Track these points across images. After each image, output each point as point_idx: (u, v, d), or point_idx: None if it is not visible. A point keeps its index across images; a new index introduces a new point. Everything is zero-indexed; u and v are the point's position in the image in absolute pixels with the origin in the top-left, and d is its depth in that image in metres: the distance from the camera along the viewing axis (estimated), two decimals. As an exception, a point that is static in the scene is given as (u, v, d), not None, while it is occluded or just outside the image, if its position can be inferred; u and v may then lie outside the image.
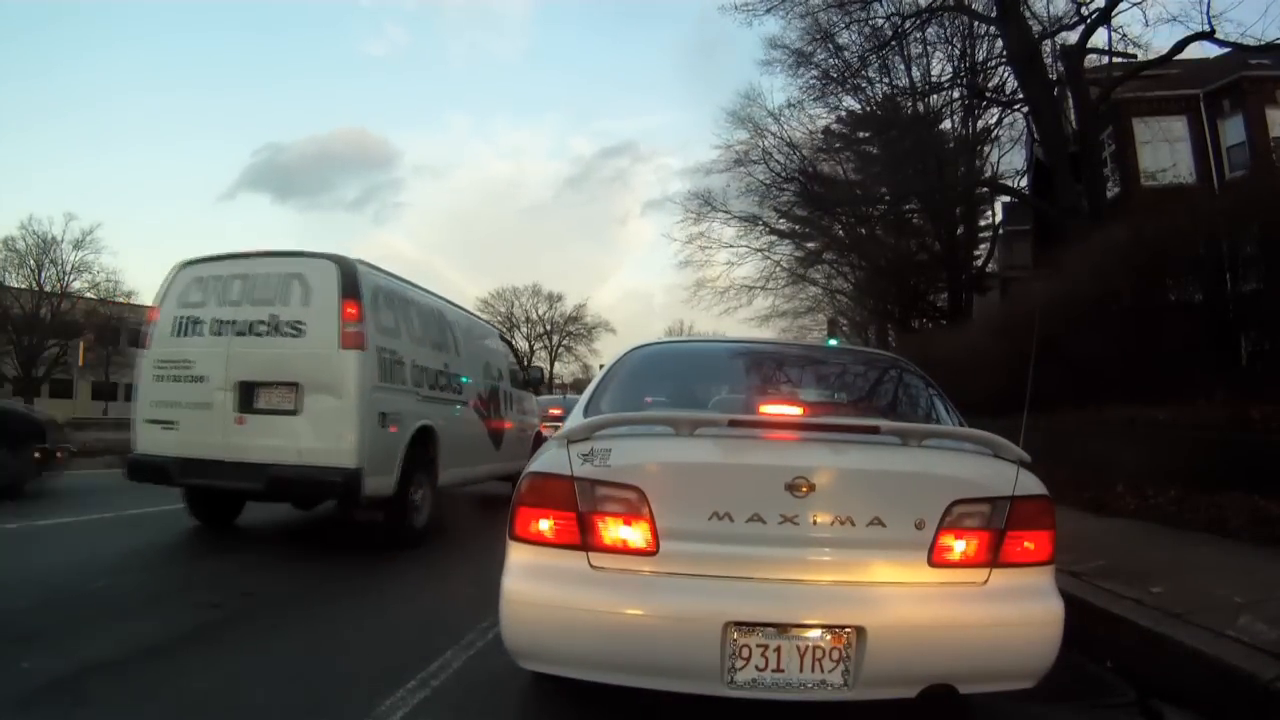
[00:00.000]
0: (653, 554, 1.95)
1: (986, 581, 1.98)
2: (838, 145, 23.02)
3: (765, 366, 3.12)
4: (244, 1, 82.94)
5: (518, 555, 2.05)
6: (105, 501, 6.50)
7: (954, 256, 21.78)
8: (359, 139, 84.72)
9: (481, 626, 3.12)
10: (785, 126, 22.38)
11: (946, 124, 20.38)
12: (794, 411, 2.38)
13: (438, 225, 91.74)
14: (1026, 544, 2.02)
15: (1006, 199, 22.83)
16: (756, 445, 2.10)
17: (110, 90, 77.74)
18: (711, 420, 2.17)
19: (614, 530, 1.98)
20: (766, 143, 22.76)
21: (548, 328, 60.96)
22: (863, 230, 22.51)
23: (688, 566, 1.94)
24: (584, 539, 1.98)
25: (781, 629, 1.88)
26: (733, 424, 2.13)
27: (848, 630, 1.87)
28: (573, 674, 2.00)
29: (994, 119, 19.71)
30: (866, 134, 21.85)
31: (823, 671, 1.88)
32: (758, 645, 1.87)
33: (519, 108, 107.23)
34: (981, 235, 24.35)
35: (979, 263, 23.69)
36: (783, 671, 1.88)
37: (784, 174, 22.82)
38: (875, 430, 2.12)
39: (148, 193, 78.18)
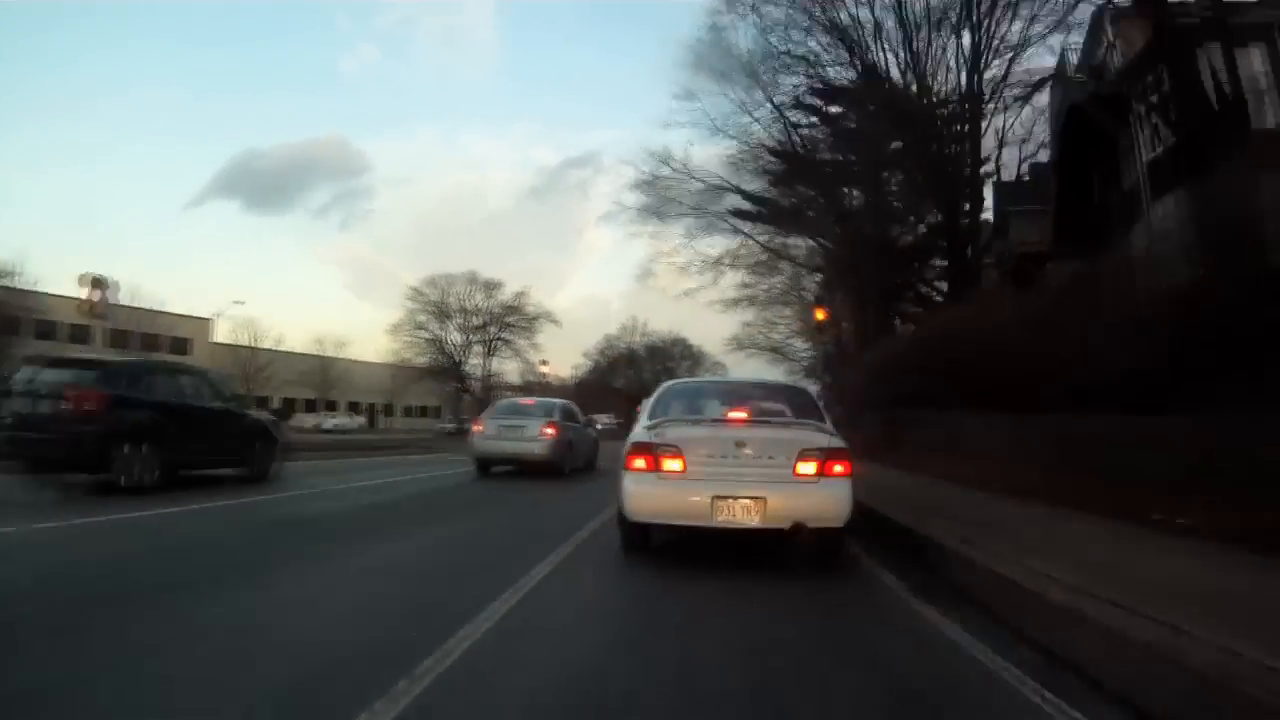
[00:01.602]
0: (684, 473, 4.93)
1: (817, 482, 4.91)
2: (812, 121, 21.51)
3: (733, 392, 6.16)
4: (213, 11, 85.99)
5: (629, 477, 5.05)
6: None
7: (955, 227, 19.13)
8: (329, 149, 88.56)
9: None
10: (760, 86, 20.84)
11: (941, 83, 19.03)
12: (742, 414, 5.37)
13: (402, 231, 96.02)
14: (836, 467, 4.94)
15: (996, 179, 20.86)
16: (725, 428, 5.09)
17: (75, 95, 79.58)
18: (708, 418, 5.20)
19: (666, 463, 4.97)
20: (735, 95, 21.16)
21: (484, 319, 56.03)
22: (838, 216, 21.34)
23: (698, 476, 4.91)
24: (654, 466, 4.97)
25: (735, 499, 4.83)
26: (717, 421, 5.18)
27: (760, 499, 4.81)
28: (649, 520, 5.00)
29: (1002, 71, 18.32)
30: (841, 109, 20.56)
31: (750, 516, 4.82)
32: (725, 505, 4.82)
33: (487, 121, 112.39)
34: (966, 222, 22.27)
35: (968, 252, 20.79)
36: (735, 516, 4.82)
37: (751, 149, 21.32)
38: (774, 421, 5.13)
39: (109, 197, 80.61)
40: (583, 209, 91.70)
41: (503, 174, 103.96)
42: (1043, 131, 20.58)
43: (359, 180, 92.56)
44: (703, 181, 23.70)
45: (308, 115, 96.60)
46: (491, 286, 56.31)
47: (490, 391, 52.27)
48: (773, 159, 22.63)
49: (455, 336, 55.92)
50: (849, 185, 22.05)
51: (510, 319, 56.35)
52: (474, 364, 56.70)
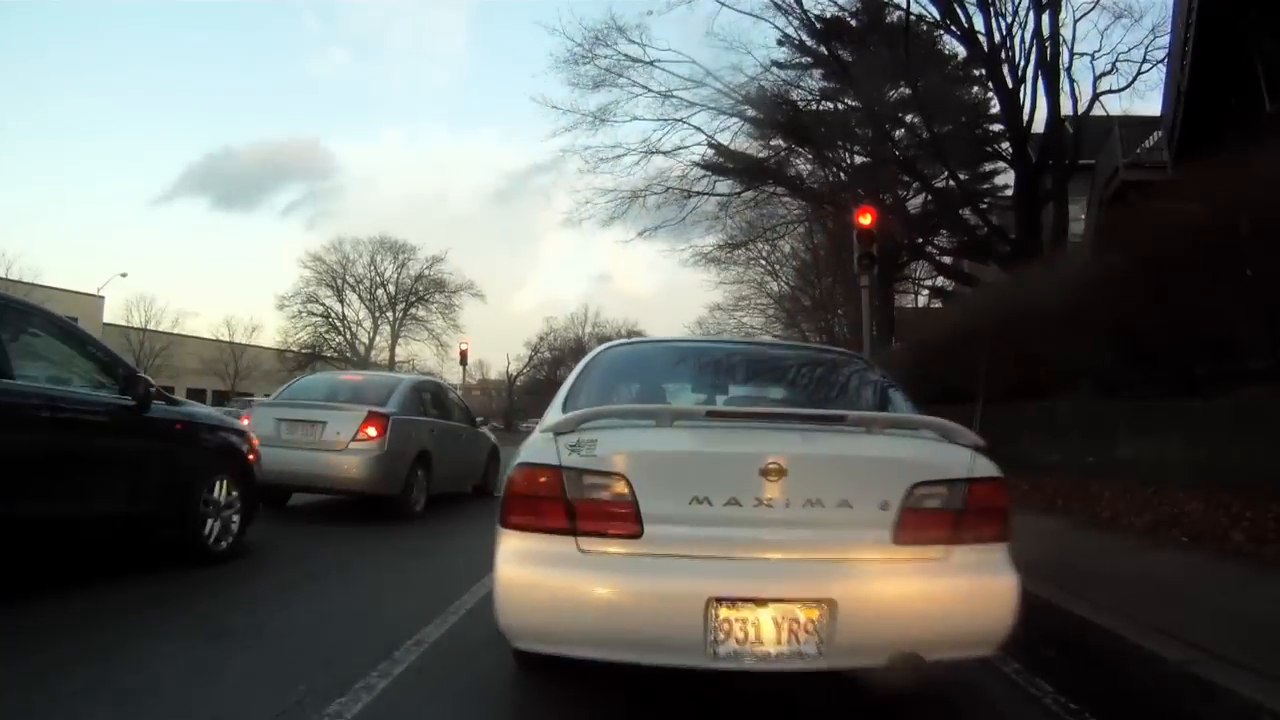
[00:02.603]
0: (638, 537, 2.08)
1: (946, 557, 2.14)
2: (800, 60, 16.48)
3: (737, 363, 3.28)
4: (181, 8, 79.74)
5: (509, 543, 2.17)
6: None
7: (1017, 117, 13.13)
8: (299, 150, 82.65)
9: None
10: None
11: None
12: (765, 402, 2.52)
13: (369, 231, 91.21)
14: (982, 522, 2.19)
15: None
16: (731, 433, 2.24)
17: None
18: (690, 412, 2.32)
19: (601, 516, 2.10)
20: None
21: (391, 292, 46.25)
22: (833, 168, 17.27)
23: (671, 548, 2.07)
24: (572, 525, 2.10)
25: (760, 603, 2.02)
26: (710, 415, 2.29)
27: (821, 603, 2.02)
28: (564, 653, 2.12)
29: None
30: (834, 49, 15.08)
31: (799, 643, 2.01)
32: (738, 619, 2.01)
33: (455, 125, 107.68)
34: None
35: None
36: (762, 644, 2.01)
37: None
38: (841, 419, 2.28)
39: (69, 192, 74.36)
40: (545, 213, 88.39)
41: (469, 177, 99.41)
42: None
43: (328, 181, 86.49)
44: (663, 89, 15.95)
45: (277, 116, 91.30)
46: (400, 251, 46.07)
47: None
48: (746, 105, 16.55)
49: (356, 312, 46.56)
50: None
51: (423, 291, 46.38)
52: (381, 346, 47.83)
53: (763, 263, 30.21)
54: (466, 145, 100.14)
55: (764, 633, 2.01)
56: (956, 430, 2.26)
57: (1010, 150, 14.26)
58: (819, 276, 27.97)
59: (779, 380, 3.19)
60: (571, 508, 2.10)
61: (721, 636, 2.00)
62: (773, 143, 17.71)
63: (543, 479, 2.13)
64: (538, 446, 2.23)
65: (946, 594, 2.10)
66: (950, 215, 16.04)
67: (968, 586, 2.12)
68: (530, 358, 54.53)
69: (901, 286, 21.90)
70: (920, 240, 17.84)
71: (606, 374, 2.98)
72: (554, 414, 2.46)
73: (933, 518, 2.14)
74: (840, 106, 16.81)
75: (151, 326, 43.40)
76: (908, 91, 14.38)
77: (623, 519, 2.09)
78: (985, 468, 2.23)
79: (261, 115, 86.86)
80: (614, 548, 2.08)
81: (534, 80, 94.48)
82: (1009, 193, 16.34)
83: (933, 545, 2.13)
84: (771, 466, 2.08)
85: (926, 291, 24.39)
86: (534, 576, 2.09)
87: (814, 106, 17.08)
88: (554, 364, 53.58)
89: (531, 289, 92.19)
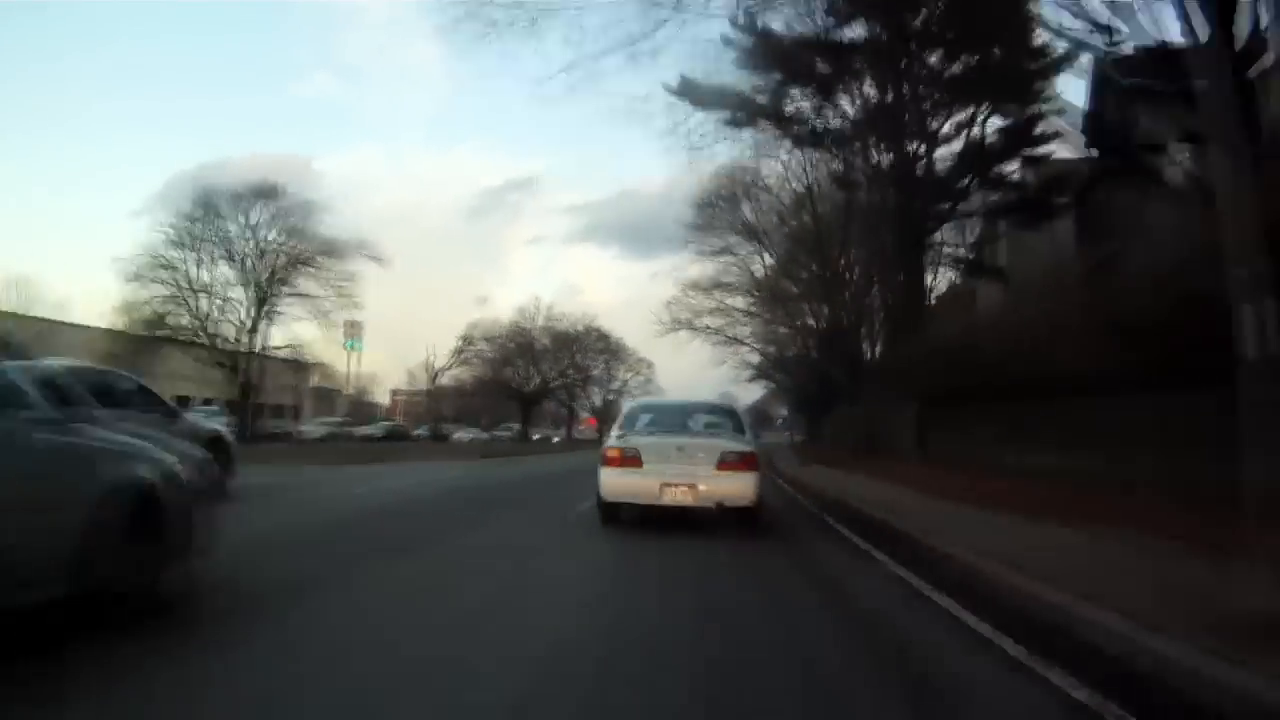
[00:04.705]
0: (641, 466, 7.03)
1: (733, 473, 7.08)
2: None
3: (682, 411, 8.35)
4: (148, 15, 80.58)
5: (603, 468, 7.10)
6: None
7: None
8: (283, 166, 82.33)
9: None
10: None
11: None
12: (684, 429, 7.56)
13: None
14: (751, 462, 7.13)
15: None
16: (672, 437, 7.25)
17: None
18: (660, 432, 7.40)
19: (630, 460, 7.07)
20: None
21: (259, 251, 34.47)
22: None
23: (651, 468, 6.95)
24: (621, 462, 7.07)
25: (676, 486, 6.91)
26: (664, 433, 7.39)
27: (693, 486, 6.89)
28: (616, 499, 7.06)
29: None
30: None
31: (687, 498, 6.91)
32: (669, 489, 6.88)
33: (433, 141, 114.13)
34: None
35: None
36: (677, 498, 6.88)
37: None
38: (705, 433, 7.34)
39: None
40: (516, 228, 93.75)
41: (445, 194, 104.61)
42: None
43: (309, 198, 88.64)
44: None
45: (262, 134, 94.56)
46: (266, 194, 34.17)
47: (263, 376, 35.48)
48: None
49: (213, 276, 34.57)
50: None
51: (300, 250, 34.79)
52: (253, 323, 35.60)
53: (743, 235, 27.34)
54: (446, 164, 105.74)
55: (678, 495, 6.86)
56: (742, 436, 7.34)
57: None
58: (821, 246, 24.06)
59: (697, 417, 8.21)
60: (623, 458, 7.11)
61: (665, 495, 6.85)
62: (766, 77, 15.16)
63: (615, 450, 7.15)
64: (613, 440, 7.24)
65: (732, 484, 6.98)
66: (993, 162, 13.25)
67: (739, 482, 7.02)
68: (460, 351, 49.00)
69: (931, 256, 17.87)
70: (951, 204, 15.12)
71: (637, 413, 8.02)
72: (616, 429, 7.52)
73: (729, 463, 7.07)
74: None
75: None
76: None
77: (636, 462, 7.04)
78: (747, 448, 7.22)
79: (243, 135, 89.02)
80: (633, 468, 7.07)
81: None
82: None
83: (728, 470, 7.07)
84: (683, 446, 7.08)
85: (956, 267, 20.18)
86: (610, 477, 7.03)
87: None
88: (501, 363, 49.14)
89: (504, 298, 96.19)
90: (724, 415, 8.44)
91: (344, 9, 79.95)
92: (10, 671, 2.59)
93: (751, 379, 42.00)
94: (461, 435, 49.27)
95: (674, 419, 7.98)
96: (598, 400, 56.90)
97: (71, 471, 3.19)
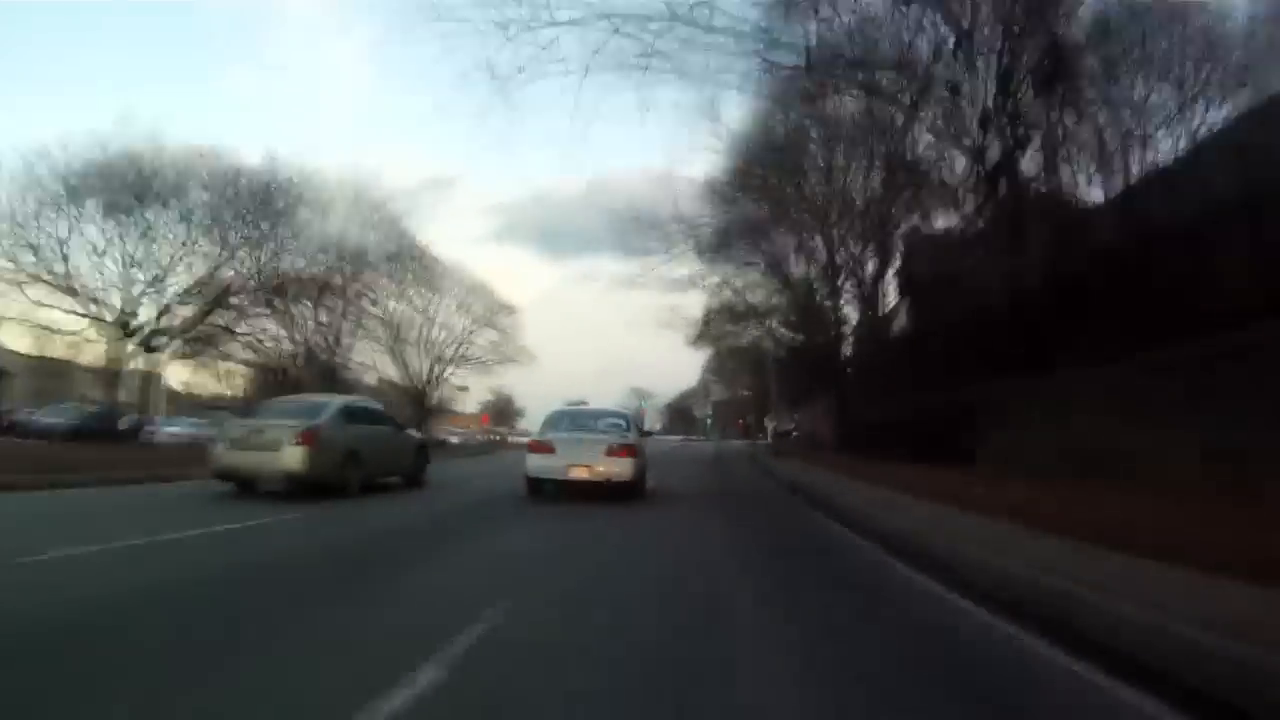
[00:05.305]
0: (554, 453, 10.31)
1: (619, 457, 10.14)
2: None
3: (587, 415, 11.47)
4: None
5: (529, 454, 10.56)
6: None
7: None
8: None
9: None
10: None
11: None
12: (585, 429, 10.76)
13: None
14: (630, 451, 10.12)
15: None
16: (576, 434, 10.49)
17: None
18: (569, 430, 10.64)
19: (546, 448, 10.36)
20: None
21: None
22: None
23: (563, 454, 10.35)
24: (541, 450, 10.39)
25: (578, 465, 10.15)
26: (571, 430, 10.63)
27: (591, 465, 10.09)
28: (537, 475, 10.46)
29: None
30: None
31: (586, 475, 10.12)
32: (572, 468, 10.19)
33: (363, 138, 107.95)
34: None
35: None
36: (579, 475, 10.16)
37: None
38: (600, 430, 10.53)
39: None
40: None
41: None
42: None
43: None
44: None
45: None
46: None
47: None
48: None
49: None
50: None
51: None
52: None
53: None
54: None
55: (579, 473, 10.23)
56: (627, 433, 10.51)
57: None
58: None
59: (597, 419, 11.31)
60: (542, 447, 10.38)
61: (570, 472, 10.31)
62: None
63: (539, 442, 10.61)
64: (540, 433, 10.76)
65: (615, 466, 10.08)
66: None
67: (620, 465, 10.07)
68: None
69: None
70: None
71: (553, 418, 11.30)
72: (542, 427, 10.86)
73: (615, 450, 10.13)
74: None
75: None
76: None
77: (550, 449, 10.40)
78: (629, 441, 10.35)
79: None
80: (547, 454, 10.38)
81: None
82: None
83: (615, 455, 10.11)
84: (583, 440, 10.32)
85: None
86: (534, 460, 10.57)
87: None
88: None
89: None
90: (620, 419, 11.08)
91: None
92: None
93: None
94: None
95: (584, 421, 10.90)
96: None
97: (407, 441, 12.52)
